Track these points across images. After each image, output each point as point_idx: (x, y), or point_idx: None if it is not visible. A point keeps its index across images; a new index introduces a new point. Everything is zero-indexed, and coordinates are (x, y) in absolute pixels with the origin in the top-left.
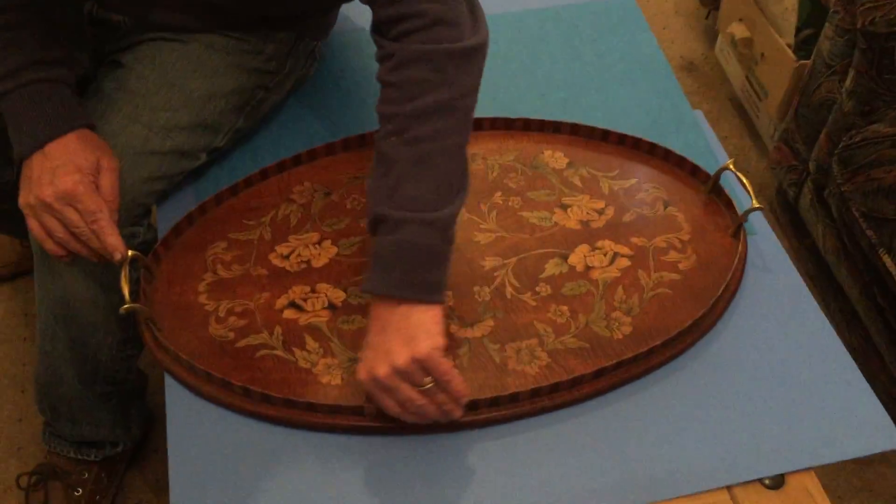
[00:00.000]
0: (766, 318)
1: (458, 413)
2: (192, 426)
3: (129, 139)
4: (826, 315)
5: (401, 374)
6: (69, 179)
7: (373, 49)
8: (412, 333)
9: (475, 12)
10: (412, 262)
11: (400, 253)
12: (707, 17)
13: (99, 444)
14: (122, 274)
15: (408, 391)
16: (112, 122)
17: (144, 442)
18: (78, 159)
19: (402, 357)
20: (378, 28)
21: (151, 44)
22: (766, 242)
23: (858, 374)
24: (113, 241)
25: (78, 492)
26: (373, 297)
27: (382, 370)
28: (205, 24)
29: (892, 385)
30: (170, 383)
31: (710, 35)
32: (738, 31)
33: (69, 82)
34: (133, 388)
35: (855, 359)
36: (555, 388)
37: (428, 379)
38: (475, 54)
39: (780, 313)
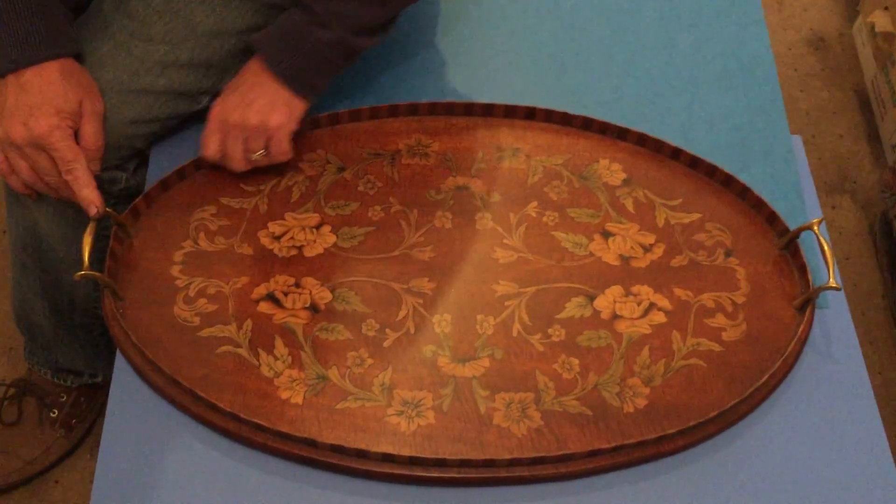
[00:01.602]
0: (811, 418)
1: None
2: (133, 416)
3: (115, 73)
4: None
5: (246, 129)
6: (45, 123)
7: (435, 3)
8: (277, 106)
9: None
10: (315, 66)
11: (311, 50)
12: None
13: (77, 372)
14: (87, 230)
15: (237, 148)
16: (100, 50)
17: None
18: (58, 99)
19: (255, 117)
20: None
21: None
22: (837, 321)
23: None
24: (88, 193)
25: (54, 413)
26: (260, 55)
27: (235, 116)
28: None
29: None
30: (119, 363)
31: (853, 9)
32: (881, 21)
33: None
34: None
35: None
36: (538, 461)
37: (261, 152)
38: None
39: (831, 414)
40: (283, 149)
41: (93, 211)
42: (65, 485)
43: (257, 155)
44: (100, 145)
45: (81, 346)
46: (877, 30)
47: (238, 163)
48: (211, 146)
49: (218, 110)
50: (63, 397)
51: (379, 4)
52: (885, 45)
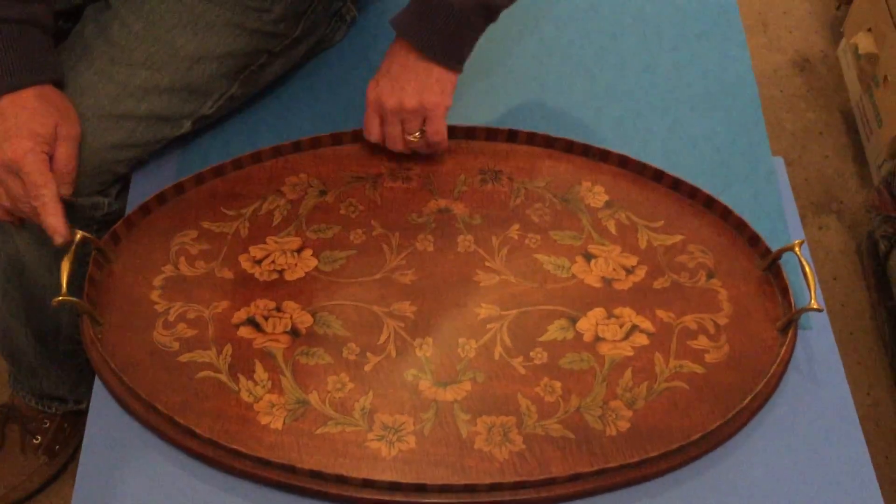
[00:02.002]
0: (795, 440)
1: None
2: (110, 442)
3: (97, 99)
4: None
5: (403, 112)
6: (19, 147)
7: None
8: (429, 85)
9: None
10: (458, 33)
11: (449, 18)
12: (838, 9)
13: (61, 398)
14: (66, 256)
15: (397, 131)
16: (81, 76)
17: None
18: (34, 123)
19: (412, 100)
20: None
21: None
22: (820, 342)
23: None
24: (53, 222)
25: (37, 439)
26: (402, 36)
27: (392, 101)
28: None
29: None
30: (98, 388)
31: (837, 31)
32: (864, 43)
33: (43, 22)
34: None
35: None
36: (520, 485)
37: (418, 133)
38: None
39: (814, 436)
40: (438, 128)
41: (58, 240)
42: None
43: (414, 136)
44: (71, 169)
45: (66, 372)
46: (860, 51)
47: (398, 143)
48: (373, 131)
49: (374, 96)
50: (46, 423)
51: None
52: (869, 67)
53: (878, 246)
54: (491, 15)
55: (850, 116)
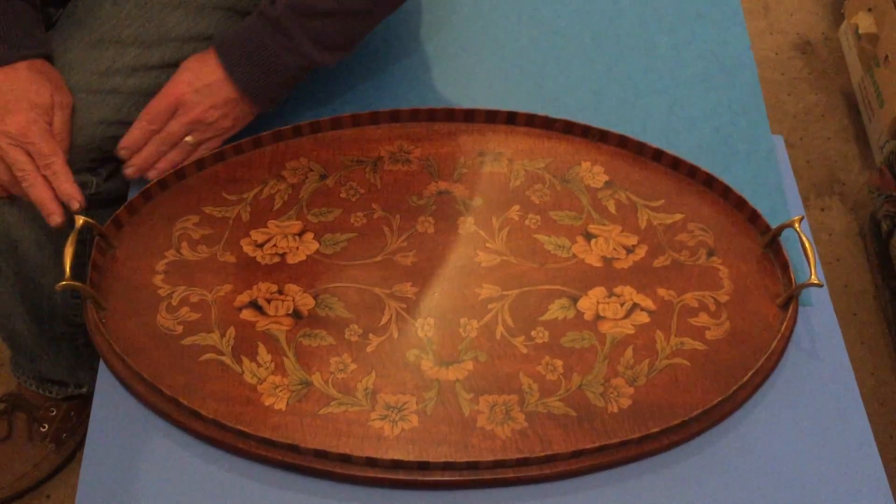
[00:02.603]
0: (797, 416)
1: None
2: (116, 424)
3: (85, 74)
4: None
5: (197, 120)
6: (22, 118)
7: (416, 8)
8: (232, 112)
9: None
10: (282, 82)
11: (278, 71)
12: None
13: (61, 382)
14: (69, 242)
15: (180, 131)
16: (70, 52)
17: None
18: (31, 94)
19: (212, 114)
20: None
21: None
22: (821, 319)
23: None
24: (69, 188)
25: (44, 427)
26: (226, 68)
27: (195, 105)
28: None
29: None
30: (102, 372)
31: (838, 13)
32: (864, 22)
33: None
34: None
35: None
36: (523, 462)
37: (193, 139)
38: None
39: (816, 413)
40: (214, 146)
41: (75, 206)
42: (56, 499)
43: (190, 140)
44: (65, 137)
45: (64, 356)
46: (860, 31)
47: (167, 144)
48: (162, 113)
49: (183, 95)
50: (53, 411)
51: (361, 20)
52: (870, 47)
53: (880, 226)
54: (313, 69)
55: (851, 98)
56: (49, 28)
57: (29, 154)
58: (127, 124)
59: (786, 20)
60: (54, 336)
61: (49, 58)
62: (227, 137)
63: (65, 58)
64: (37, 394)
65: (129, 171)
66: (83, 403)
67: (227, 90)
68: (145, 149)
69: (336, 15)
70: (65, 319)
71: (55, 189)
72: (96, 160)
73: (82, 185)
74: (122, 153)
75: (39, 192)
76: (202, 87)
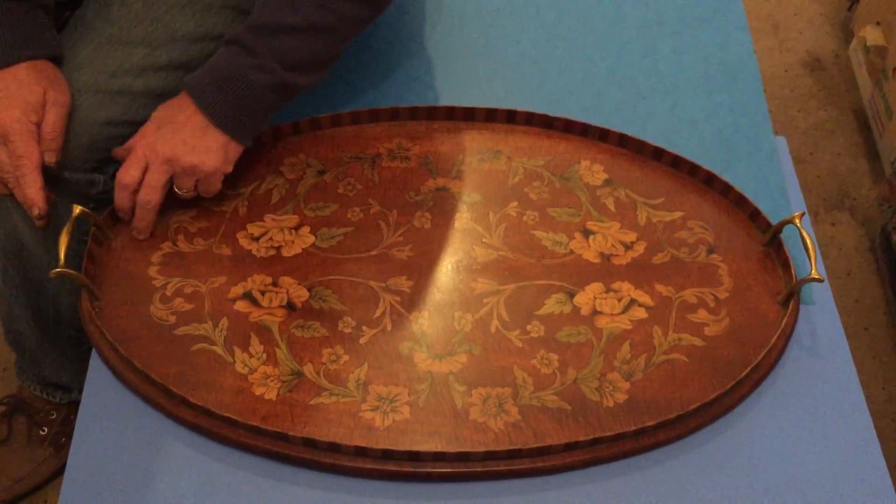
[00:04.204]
0: (798, 413)
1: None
2: (105, 412)
3: (93, 74)
4: None
5: (176, 167)
6: (6, 115)
7: (417, 9)
8: (214, 150)
9: None
10: (253, 108)
11: (249, 95)
12: (849, 10)
13: (65, 387)
14: (64, 230)
15: (159, 178)
16: (80, 53)
17: None
18: (23, 91)
19: (191, 158)
20: None
21: None
22: (823, 317)
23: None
24: (31, 193)
25: (43, 431)
26: (196, 100)
27: (166, 151)
28: None
29: None
30: (94, 361)
31: (848, 32)
32: (872, 36)
33: (44, 2)
34: None
35: None
36: (515, 454)
37: (191, 189)
38: None
39: (817, 411)
40: (213, 189)
41: (34, 212)
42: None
43: (186, 191)
44: (58, 135)
45: (69, 360)
46: (868, 44)
47: (155, 193)
48: (132, 172)
49: (149, 141)
50: (52, 415)
51: (326, 37)
52: (878, 60)
53: (891, 240)
54: (289, 94)
55: (861, 115)
56: (60, 29)
57: (8, 152)
58: (135, 124)
59: (795, 38)
60: (59, 340)
61: (57, 58)
62: (211, 178)
63: (75, 58)
64: (39, 397)
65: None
66: None
67: (195, 121)
68: (136, 215)
69: (299, 31)
70: (70, 324)
71: (20, 192)
72: (103, 160)
73: (90, 184)
74: (122, 217)
75: (17, 192)
76: (167, 123)
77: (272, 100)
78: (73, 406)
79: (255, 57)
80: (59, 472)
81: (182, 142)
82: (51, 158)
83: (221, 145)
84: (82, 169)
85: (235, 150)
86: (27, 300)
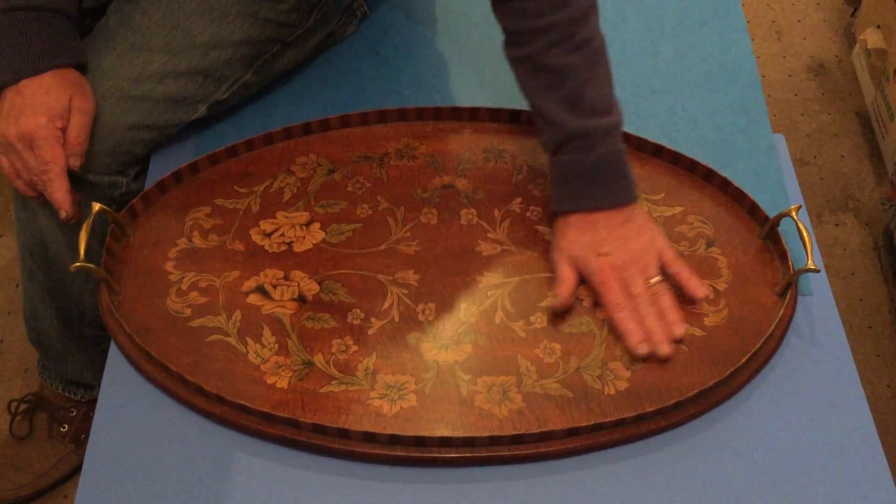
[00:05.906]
0: (795, 401)
1: (665, 350)
2: (123, 401)
3: (117, 81)
4: None
5: (639, 264)
6: (33, 121)
7: (424, 14)
8: (638, 230)
9: None
10: (615, 171)
11: (602, 165)
12: (853, 15)
13: (87, 385)
14: (84, 226)
15: (638, 286)
16: (103, 60)
17: None
18: (49, 100)
19: (641, 250)
20: None
21: None
22: (821, 308)
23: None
24: (59, 196)
25: (64, 427)
26: (576, 211)
27: (643, 260)
28: None
29: None
30: (113, 353)
31: (851, 36)
32: (873, 39)
33: (69, 11)
34: None
35: None
36: (518, 439)
37: (659, 277)
38: None
39: (815, 399)
40: (682, 269)
41: (62, 214)
42: (74, 499)
43: (655, 280)
44: (82, 140)
45: (91, 358)
46: (869, 47)
47: (643, 299)
48: (620, 301)
49: (606, 264)
50: (73, 412)
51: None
52: (879, 62)
53: (894, 240)
54: (619, 134)
55: (865, 118)
56: (84, 37)
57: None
58: (156, 129)
59: (799, 44)
60: (82, 339)
61: (81, 66)
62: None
63: (98, 66)
64: (60, 395)
65: (640, 350)
66: None
67: (601, 220)
68: (646, 323)
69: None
70: (92, 323)
71: (48, 196)
72: (126, 163)
73: (113, 186)
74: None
75: (50, 191)
76: (608, 244)
77: (623, 147)
78: (93, 404)
79: (586, 134)
80: (79, 468)
81: (624, 245)
82: (75, 163)
83: (638, 222)
84: (106, 172)
85: (640, 213)
86: (51, 300)
